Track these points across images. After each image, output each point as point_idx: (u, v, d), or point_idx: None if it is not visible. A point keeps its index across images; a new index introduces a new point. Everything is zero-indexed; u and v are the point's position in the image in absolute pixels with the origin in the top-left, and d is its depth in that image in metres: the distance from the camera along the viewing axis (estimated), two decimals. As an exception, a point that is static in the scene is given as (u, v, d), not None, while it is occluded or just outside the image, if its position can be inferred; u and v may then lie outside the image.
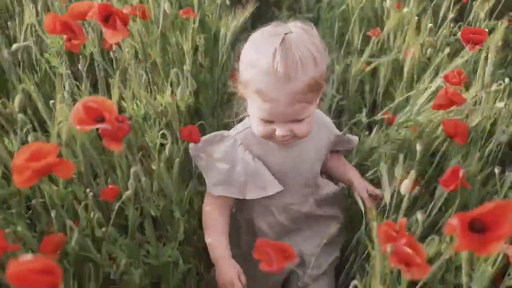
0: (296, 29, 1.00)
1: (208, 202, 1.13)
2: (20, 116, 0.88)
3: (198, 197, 1.21)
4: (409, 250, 0.71)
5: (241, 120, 1.16)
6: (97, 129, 0.83)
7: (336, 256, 1.27)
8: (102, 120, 0.82)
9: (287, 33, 0.98)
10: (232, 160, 1.09)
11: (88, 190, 0.95)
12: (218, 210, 1.12)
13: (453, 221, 0.59)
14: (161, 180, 1.06)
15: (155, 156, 1.05)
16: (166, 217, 1.09)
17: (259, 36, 1.03)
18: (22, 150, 0.75)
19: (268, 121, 1.02)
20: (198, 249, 1.21)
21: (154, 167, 1.05)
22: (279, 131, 1.02)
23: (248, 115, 1.10)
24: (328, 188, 1.23)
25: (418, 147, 1.01)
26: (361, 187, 1.18)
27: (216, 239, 1.08)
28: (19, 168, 0.73)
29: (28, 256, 0.60)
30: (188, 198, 1.11)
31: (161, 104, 1.12)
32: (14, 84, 0.90)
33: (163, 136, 1.07)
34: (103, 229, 0.95)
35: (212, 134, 1.12)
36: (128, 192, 0.95)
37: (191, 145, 1.11)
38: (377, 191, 1.16)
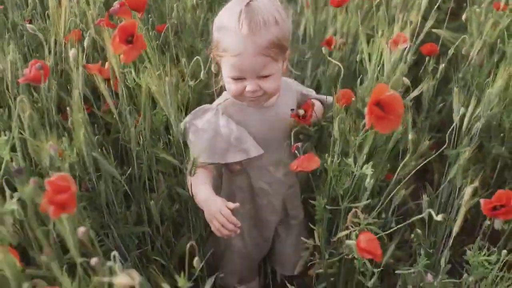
0: None
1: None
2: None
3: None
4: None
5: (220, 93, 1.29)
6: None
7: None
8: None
9: (252, 0, 1.11)
10: (215, 129, 1.19)
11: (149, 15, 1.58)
12: (201, 172, 1.19)
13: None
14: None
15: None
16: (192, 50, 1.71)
17: (229, 4, 1.16)
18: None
19: (239, 78, 1.13)
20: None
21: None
22: (249, 87, 1.13)
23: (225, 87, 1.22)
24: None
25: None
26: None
27: (201, 188, 1.16)
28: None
29: None
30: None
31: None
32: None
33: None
34: (157, 41, 1.58)
35: (197, 108, 1.23)
36: (172, 21, 1.58)
37: (185, 119, 1.21)
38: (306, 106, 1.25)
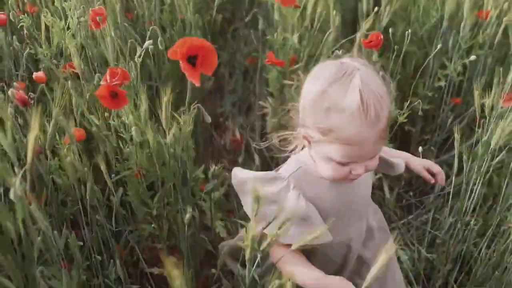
0: (359, 64, 0.97)
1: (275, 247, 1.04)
2: None
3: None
4: None
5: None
6: None
7: None
8: None
9: (357, 71, 0.94)
10: (282, 203, 1.04)
11: None
12: (291, 254, 1.02)
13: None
14: None
15: None
16: None
17: (330, 78, 0.95)
18: None
19: (347, 163, 0.99)
20: None
21: None
22: (358, 171, 0.99)
23: (290, 154, 1.12)
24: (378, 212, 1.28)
25: None
26: (419, 168, 1.22)
27: (303, 270, 1.02)
28: None
29: None
30: None
31: None
32: None
33: None
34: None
35: (264, 173, 1.10)
36: None
37: (235, 175, 1.08)
38: (435, 169, 1.20)
